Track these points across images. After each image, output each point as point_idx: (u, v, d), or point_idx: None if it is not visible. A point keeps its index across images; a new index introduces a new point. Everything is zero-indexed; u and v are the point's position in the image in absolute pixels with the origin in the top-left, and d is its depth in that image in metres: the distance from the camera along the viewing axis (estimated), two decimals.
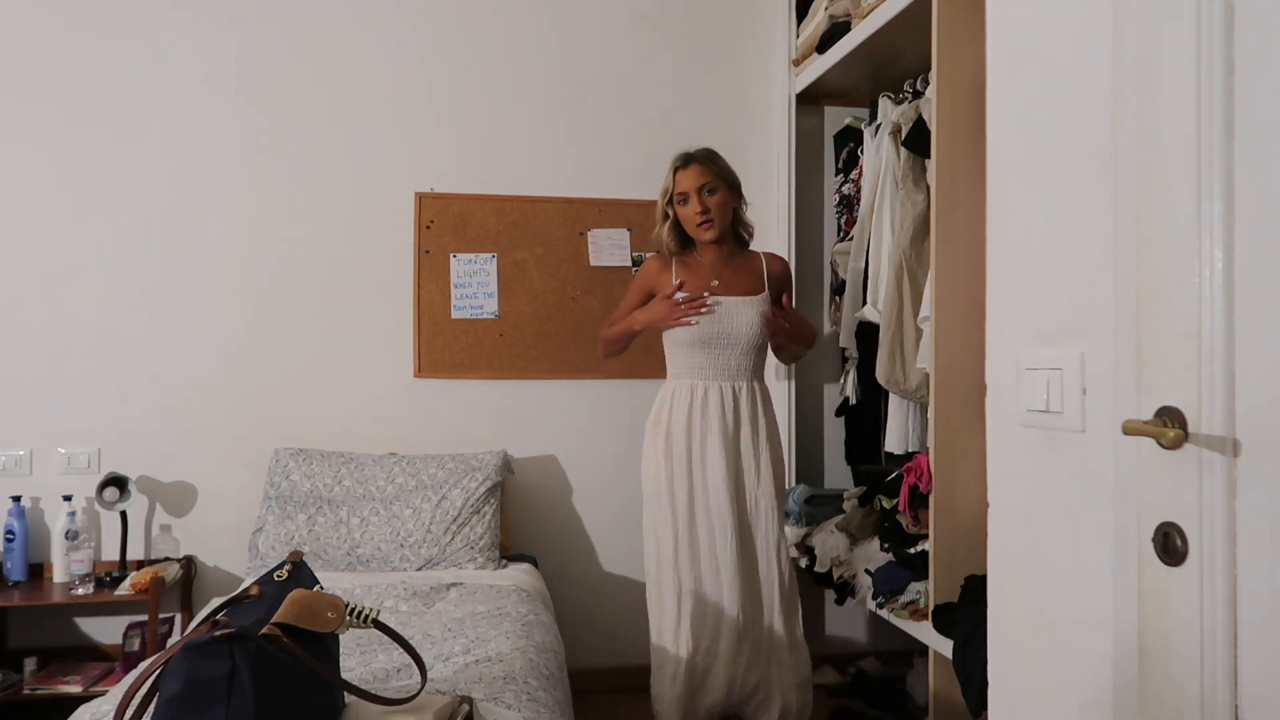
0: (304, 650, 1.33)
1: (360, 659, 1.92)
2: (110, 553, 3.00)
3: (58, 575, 2.85)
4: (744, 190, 2.56)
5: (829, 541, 2.83)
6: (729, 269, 2.44)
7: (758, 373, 2.46)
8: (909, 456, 2.62)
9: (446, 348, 3.21)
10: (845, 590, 2.72)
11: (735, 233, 2.49)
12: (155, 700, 1.29)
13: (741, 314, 2.39)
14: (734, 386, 2.41)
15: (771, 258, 2.51)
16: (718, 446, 2.38)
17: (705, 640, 2.39)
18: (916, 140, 2.52)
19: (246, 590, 1.51)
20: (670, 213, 2.43)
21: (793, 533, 3.04)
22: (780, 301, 2.48)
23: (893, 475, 2.62)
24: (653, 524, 2.44)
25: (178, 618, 2.98)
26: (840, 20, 2.89)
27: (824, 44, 3.00)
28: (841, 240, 3.23)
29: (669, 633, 2.40)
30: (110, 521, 2.99)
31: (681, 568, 2.40)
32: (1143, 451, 1.00)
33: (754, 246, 2.59)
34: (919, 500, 2.41)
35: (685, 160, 2.40)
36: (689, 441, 2.40)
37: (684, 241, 2.46)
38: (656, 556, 2.43)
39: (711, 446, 2.38)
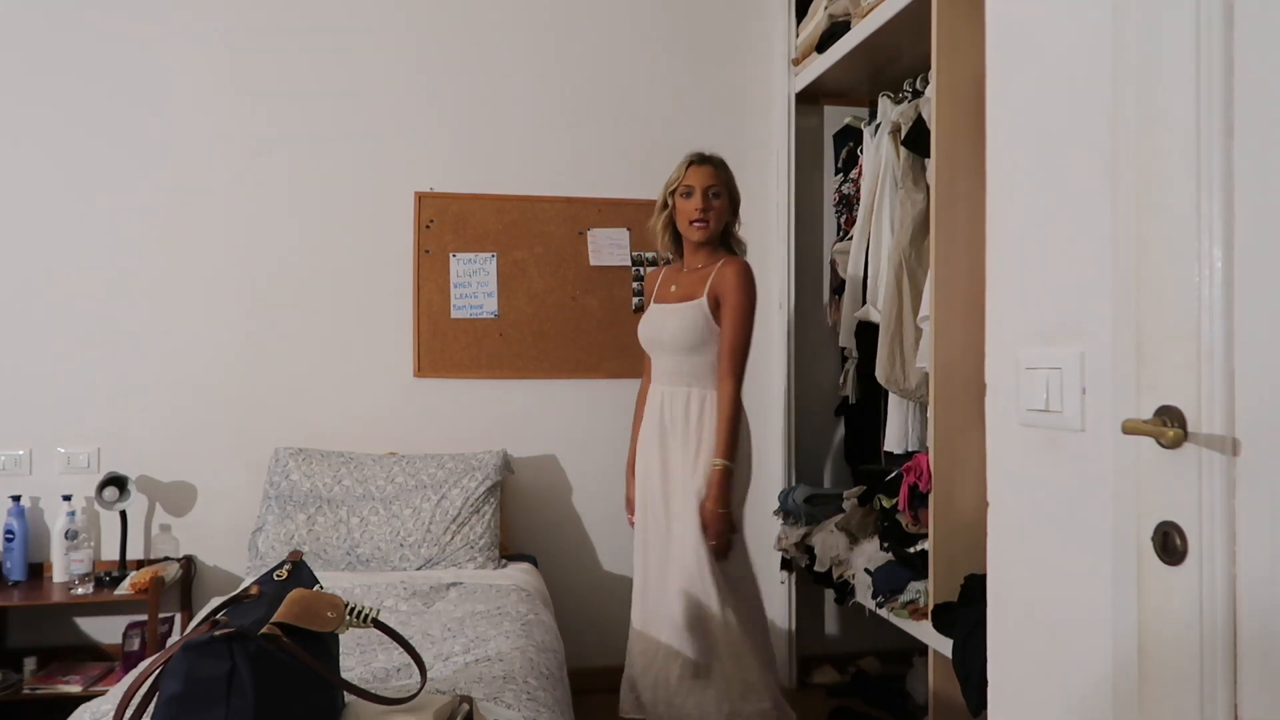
0: (304, 650, 1.33)
1: (360, 658, 1.92)
2: (110, 552, 3.00)
3: (57, 575, 2.85)
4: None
5: (829, 541, 2.83)
6: (691, 275, 2.46)
7: (702, 377, 2.40)
8: (909, 456, 2.62)
9: (446, 347, 3.21)
10: (845, 590, 2.72)
11: (726, 245, 2.50)
12: (155, 700, 1.29)
13: (668, 320, 2.41)
14: (670, 391, 2.44)
15: (728, 262, 2.41)
16: (652, 449, 2.45)
17: (640, 641, 2.44)
18: (916, 140, 2.52)
19: (246, 590, 1.51)
20: (670, 203, 2.45)
21: (793, 532, 3.04)
22: (718, 309, 2.39)
23: (892, 475, 2.62)
24: None
25: (177, 617, 2.98)
26: (840, 20, 2.89)
27: (824, 43, 3.00)
28: (841, 240, 3.23)
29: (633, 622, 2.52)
30: (110, 521, 2.99)
31: (636, 566, 2.51)
32: (1142, 451, 1.00)
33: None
34: (918, 500, 2.41)
35: (701, 159, 2.44)
36: (644, 443, 2.49)
37: (677, 237, 2.50)
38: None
39: (648, 449, 2.46)
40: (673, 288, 2.48)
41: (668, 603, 2.36)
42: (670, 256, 2.56)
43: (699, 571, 2.31)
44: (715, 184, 2.40)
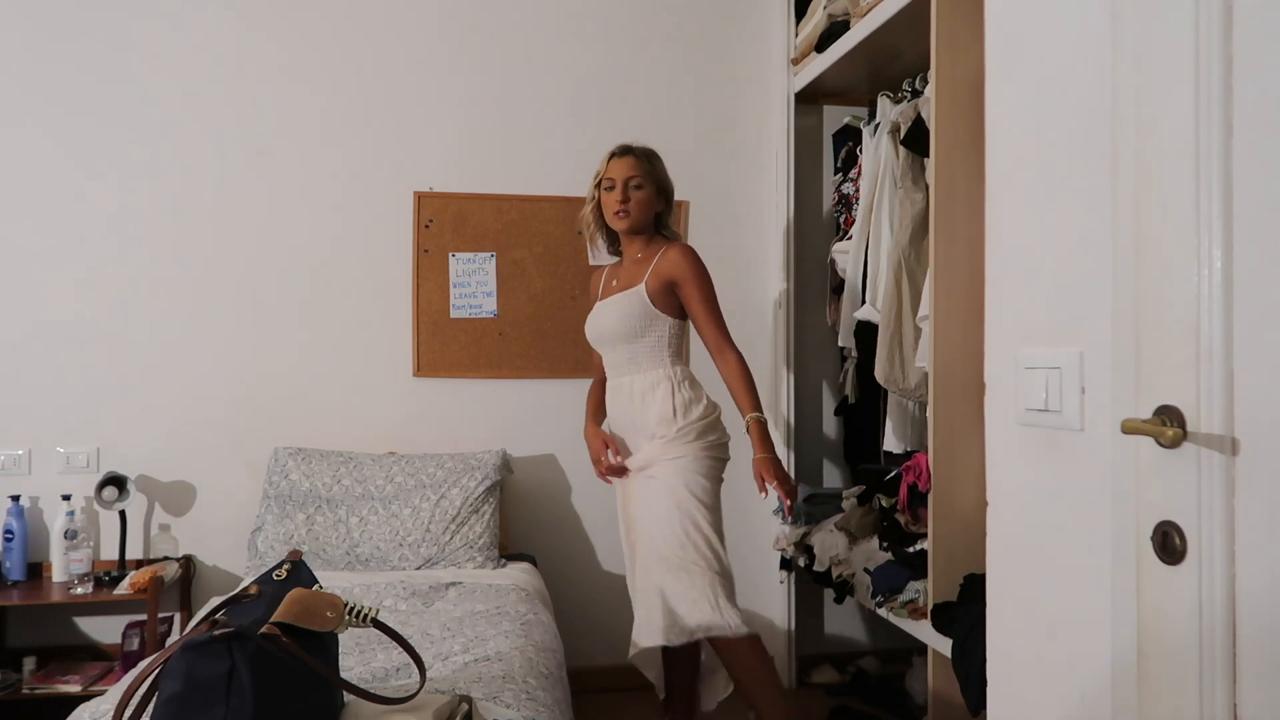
0: (303, 649, 1.33)
1: (359, 658, 1.92)
2: (109, 552, 2.99)
3: (57, 575, 2.85)
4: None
5: (828, 540, 2.83)
6: (630, 266, 2.47)
7: (638, 365, 2.41)
8: (908, 455, 2.62)
9: (445, 347, 3.21)
10: (844, 589, 2.73)
11: (660, 235, 2.50)
12: (154, 700, 1.29)
13: (609, 311, 2.43)
14: (616, 384, 2.47)
15: (669, 247, 2.42)
16: (621, 443, 2.50)
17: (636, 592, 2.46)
18: (915, 139, 2.52)
19: (245, 589, 1.51)
20: (596, 196, 2.47)
21: (792, 531, 3.04)
22: (661, 296, 2.38)
23: (892, 474, 2.62)
24: None
25: (177, 617, 2.98)
26: (839, 19, 2.89)
27: (823, 43, 3.00)
28: (840, 239, 3.23)
29: None
30: (109, 521, 2.99)
31: (624, 543, 2.55)
32: (1141, 450, 1.00)
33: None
34: (918, 499, 2.41)
35: (623, 150, 2.44)
36: (614, 432, 2.53)
37: (612, 234, 2.53)
38: None
39: (620, 442, 2.50)
40: (614, 282, 2.50)
41: (648, 556, 2.34)
42: (609, 251, 2.59)
43: (670, 522, 2.29)
44: (636, 175, 2.39)
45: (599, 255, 3.27)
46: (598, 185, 2.46)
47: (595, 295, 2.58)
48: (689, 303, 2.38)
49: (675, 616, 2.23)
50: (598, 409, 2.62)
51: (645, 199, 2.41)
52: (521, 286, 3.25)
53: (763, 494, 2.36)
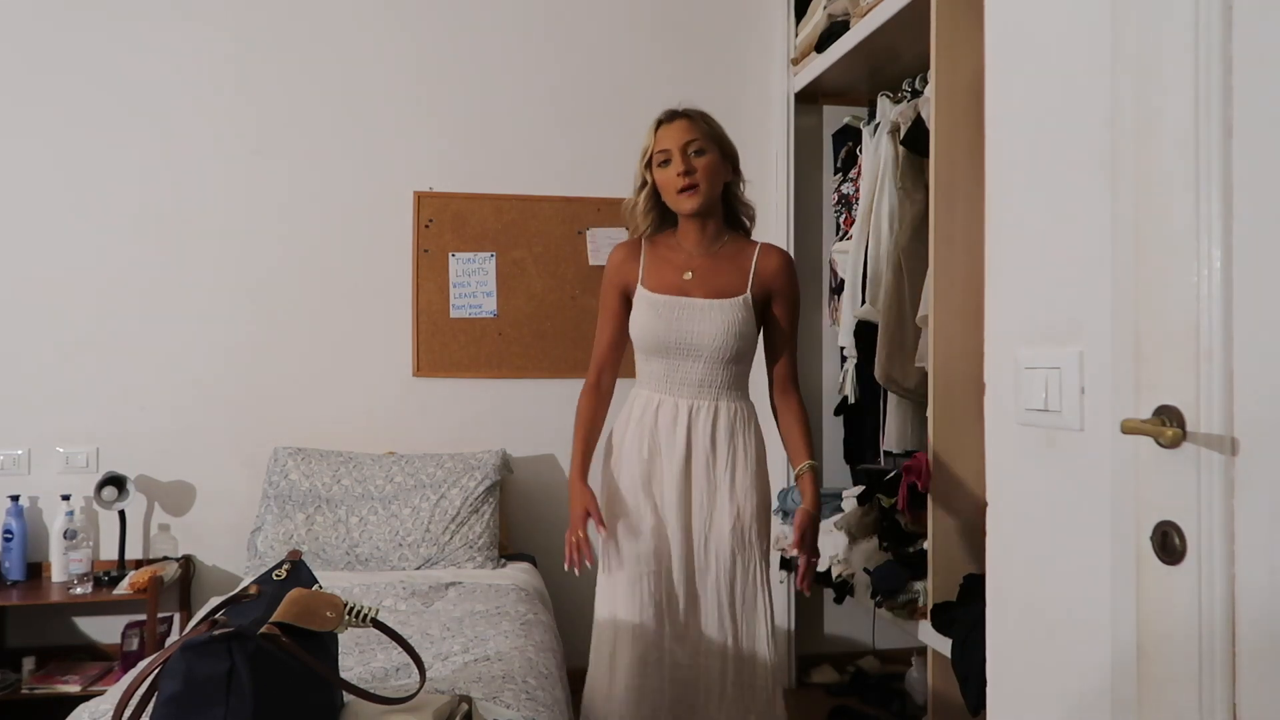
0: (303, 649, 1.33)
1: (359, 658, 1.92)
2: (109, 552, 2.99)
3: (56, 575, 2.85)
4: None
5: (828, 540, 2.82)
6: (710, 259, 1.98)
7: (732, 389, 2.00)
8: (908, 455, 2.62)
9: (445, 347, 3.21)
10: (844, 589, 2.72)
11: (731, 213, 2.04)
12: (154, 700, 1.29)
13: (709, 319, 1.93)
14: (692, 405, 1.96)
15: (768, 250, 2.02)
16: (669, 477, 1.96)
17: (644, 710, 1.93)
18: (915, 139, 2.53)
19: (245, 589, 1.51)
20: (648, 179, 1.97)
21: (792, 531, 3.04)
22: (767, 308, 2.04)
23: (892, 474, 2.62)
24: (603, 553, 2.01)
25: (176, 617, 2.98)
26: (839, 19, 2.89)
27: (823, 43, 3.00)
28: (840, 239, 3.23)
29: (601, 683, 1.96)
30: (109, 521, 2.99)
31: (635, 609, 1.95)
32: (1141, 450, 1.00)
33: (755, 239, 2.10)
34: (918, 499, 2.41)
35: (670, 115, 1.97)
36: (639, 464, 1.99)
37: (663, 217, 2.03)
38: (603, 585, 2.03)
39: (658, 476, 1.97)
40: (687, 275, 1.97)
41: (708, 638, 1.96)
42: (644, 227, 2.03)
43: (748, 620, 1.96)
44: (695, 138, 1.91)
45: (600, 255, 3.28)
46: (647, 165, 1.97)
47: (634, 279, 2.01)
48: (779, 322, 2.04)
49: None
50: (590, 450, 2.07)
51: (712, 165, 1.92)
52: (521, 286, 3.25)
53: (792, 551, 1.97)
